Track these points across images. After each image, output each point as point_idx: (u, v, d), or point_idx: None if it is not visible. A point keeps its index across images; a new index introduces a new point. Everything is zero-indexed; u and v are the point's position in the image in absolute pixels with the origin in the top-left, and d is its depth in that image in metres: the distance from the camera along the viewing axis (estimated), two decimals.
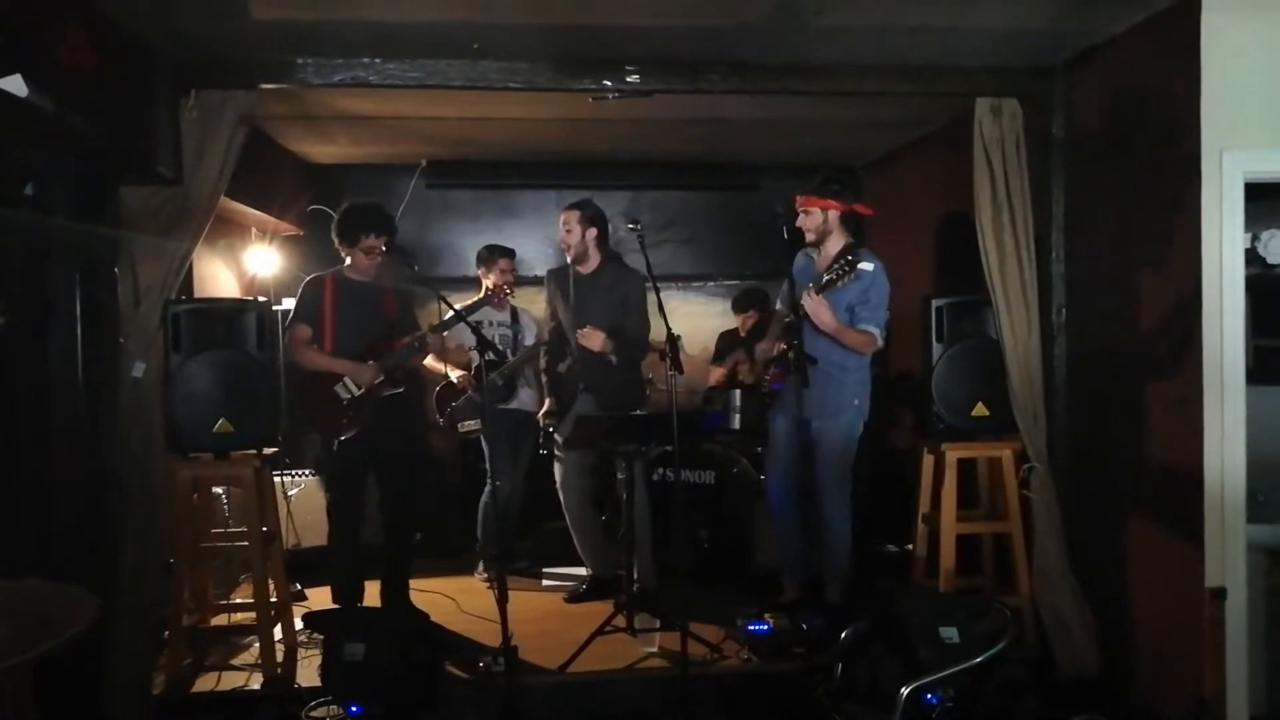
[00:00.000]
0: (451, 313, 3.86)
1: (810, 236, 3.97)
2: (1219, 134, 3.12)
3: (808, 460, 4.04)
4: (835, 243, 3.94)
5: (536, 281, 5.89)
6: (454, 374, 4.89)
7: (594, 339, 4.23)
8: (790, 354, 3.84)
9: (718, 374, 5.13)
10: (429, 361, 4.99)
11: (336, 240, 4.03)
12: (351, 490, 4.03)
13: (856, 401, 3.97)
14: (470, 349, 4.92)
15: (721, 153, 5.90)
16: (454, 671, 3.57)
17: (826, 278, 3.80)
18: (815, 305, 3.79)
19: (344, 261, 4.07)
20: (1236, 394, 3.15)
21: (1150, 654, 3.46)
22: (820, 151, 5.83)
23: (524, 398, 5.00)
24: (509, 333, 5.09)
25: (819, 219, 3.92)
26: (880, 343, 3.92)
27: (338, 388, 3.91)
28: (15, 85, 2.26)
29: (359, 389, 3.91)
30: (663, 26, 3.42)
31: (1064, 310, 3.92)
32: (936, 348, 3.94)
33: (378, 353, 3.96)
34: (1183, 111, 3.17)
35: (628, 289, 4.35)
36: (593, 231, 4.36)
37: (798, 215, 3.96)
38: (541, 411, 4.65)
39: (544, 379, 4.69)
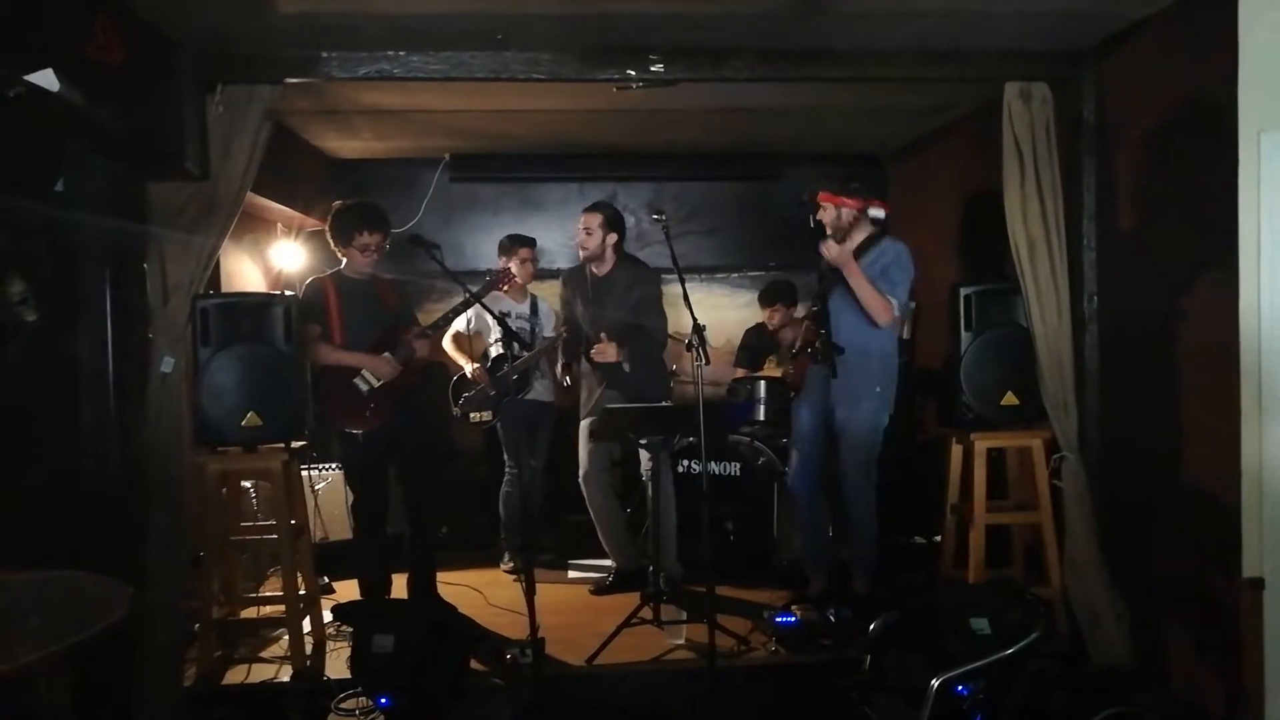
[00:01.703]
0: (462, 300, 3.87)
1: (829, 230, 3.97)
2: (1257, 115, 3.05)
3: (833, 451, 4.02)
4: (858, 236, 3.95)
5: (557, 274, 5.92)
6: (467, 366, 4.90)
7: (607, 353, 4.26)
8: (817, 344, 3.81)
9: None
10: (450, 352, 5.01)
11: (332, 242, 4.06)
12: (375, 483, 4.05)
13: (878, 389, 3.93)
14: (490, 341, 4.93)
15: (745, 143, 5.86)
16: (482, 663, 3.58)
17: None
18: (837, 251, 3.79)
19: (341, 263, 4.09)
20: (1276, 381, 3.08)
21: (1185, 646, 3.40)
22: (845, 140, 5.78)
23: (539, 388, 5.00)
24: (527, 324, 5.09)
25: (833, 214, 3.95)
26: (898, 315, 3.88)
27: (356, 381, 3.92)
28: (47, 80, 2.27)
29: (378, 381, 3.92)
30: (685, 14, 3.39)
31: (1095, 298, 3.87)
32: (965, 336, 3.90)
33: (390, 344, 3.97)
34: (1219, 93, 3.10)
35: (643, 289, 4.35)
36: (613, 237, 4.37)
37: (819, 209, 3.96)
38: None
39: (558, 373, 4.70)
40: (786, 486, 4.30)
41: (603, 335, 4.27)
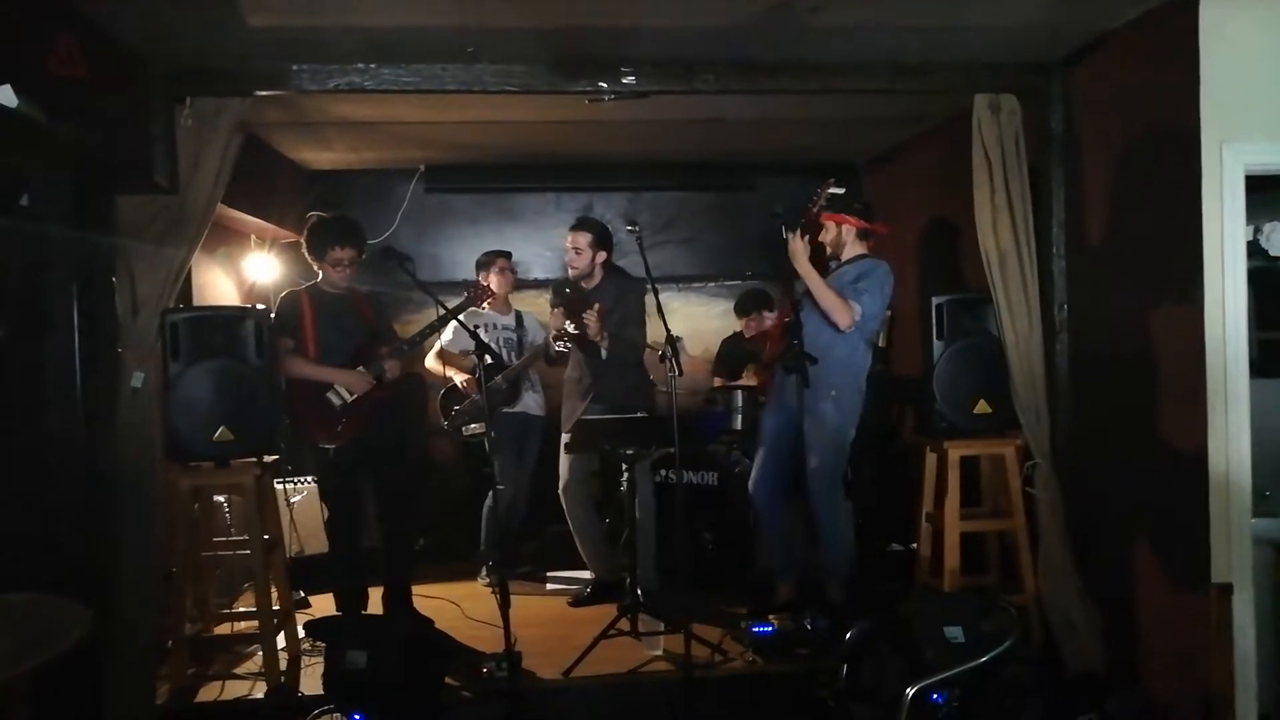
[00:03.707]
0: (439, 315, 3.86)
1: (829, 250, 4.02)
2: (1219, 127, 3.10)
3: (799, 460, 4.03)
4: (849, 254, 4.04)
5: (535, 285, 5.93)
6: (458, 378, 4.89)
7: (591, 321, 4.16)
8: (790, 351, 3.83)
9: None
10: (430, 365, 5.00)
11: (307, 255, 4.04)
12: (349, 498, 4.03)
13: (833, 393, 3.93)
14: (470, 353, 4.91)
15: (719, 153, 5.88)
16: (457, 678, 3.56)
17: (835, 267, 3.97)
18: (794, 244, 3.85)
19: (318, 276, 4.08)
20: (1240, 388, 3.13)
21: (1157, 651, 3.43)
22: (818, 150, 5.81)
23: (529, 401, 4.99)
24: (514, 336, 5.08)
25: (834, 233, 4.02)
26: (857, 320, 3.88)
27: (329, 395, 3.90)
28: (4, 96, 2.25)
29: (350, 396, 3.91)
30: (658, 27, 3.41)
31: (1066, 306, 3.90)
32: (937, 345, 3.92)
33: (365, 359, 3.96)
34: (1182, 105, 3.15)
35: (628, 302, 4.35)
36: (602, 255, 4.37)
37: (818, 229, 4.03)
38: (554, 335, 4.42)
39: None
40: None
41: (596, 305, 4.22)
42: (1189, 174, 3.13)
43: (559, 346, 4.32)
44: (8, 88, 2.27)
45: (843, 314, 3.84)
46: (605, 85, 3.75)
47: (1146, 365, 3.43)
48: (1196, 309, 3.14)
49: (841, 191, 3.96)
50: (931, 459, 4.01)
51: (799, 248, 3.87)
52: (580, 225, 4.42)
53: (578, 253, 4.34)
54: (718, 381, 5.44)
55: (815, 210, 3.92)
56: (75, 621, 1.85)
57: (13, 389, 2.97)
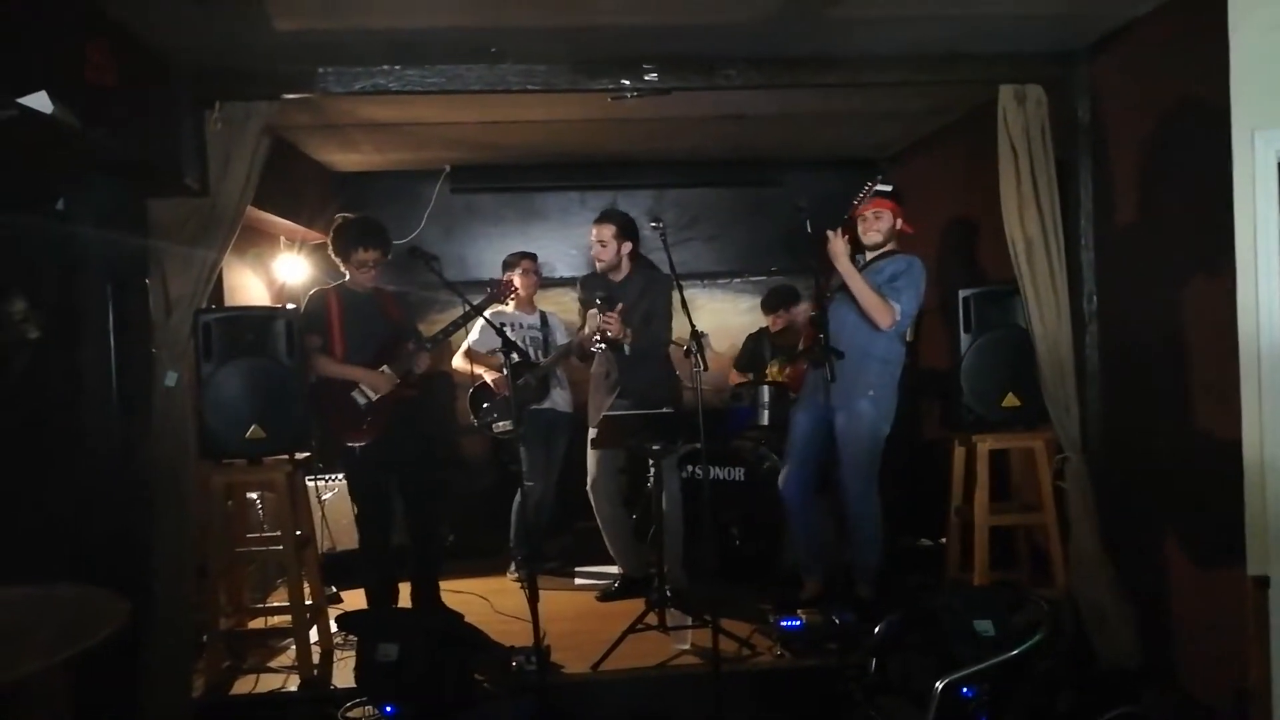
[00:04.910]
0: (462, 314, 3.90)
1: (877, 238, 3.97)
2: (1250, 113, 3.03)
3: (833, 456, 4.02)
4: (880, 248, 4.02)
5: (561, 283, 5.96)
6: (488, 376, 4.92)
7: (614, 323, 4.15)
8: (816, 347, 3.82)
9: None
10: (458, 364, 5.04)
11: (333, 256, 4.10)
12: (377, 495, 4.06)
13: (871, 392, 3.92)
14: (497, 351, 4.94)
15: (742, 149, 5.87)
16: (487, 671, 3.59)
17: (864, 262, 3.94)
18: (835, 243, 3.82)
19: (345, 275, 4.13)
20: (1275, 377, 3.07)
21: (1191, 645, 3.39)
22: (841, 145, 5.79)
23: (556, 398, 5.02)
24: (539, 335, 5.11)
25: (891, 222, 3.97)
26: (899, 323, 3.87)
27: (354, 394, 3.95)
28: (40, 102, 2.30)
29: (375, 395, 3.95)
30: (678, 24, 3.41)
31: (1094, 297, 3.86)
32: (964, 339, 3.90)
33: (390, 358, 4.00)
34: (1212, 92, 3.10)
35: (655, 296, 4.34)
36: (628, 246, 4.37)
37: (857, 221, 3.98)
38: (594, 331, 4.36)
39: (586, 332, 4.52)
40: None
41: (619, 306, 4.23)
42: (1220, 162, 3.08)
43: (594, 348, 4.33)
44: (43, 94, 2.32)
45: (885, 315, 3.82)
46: (627, 83, 3.77)
47: (1178, 355, 3.39)
48: (1229, 298, 3.08)
49: (889, 189, 3.95)
50: (960, 453, 3.99)
51: (840, 247, 3.84)
52: (604, 217, 4.42)
53: (603, 245, 4.35)
54: (735, 377, 5.44)
55: (859, 205, 3.90)
56: (114, 612, 1.88)
57: (50, 389, 3.03)
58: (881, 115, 5.02)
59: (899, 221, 3.98)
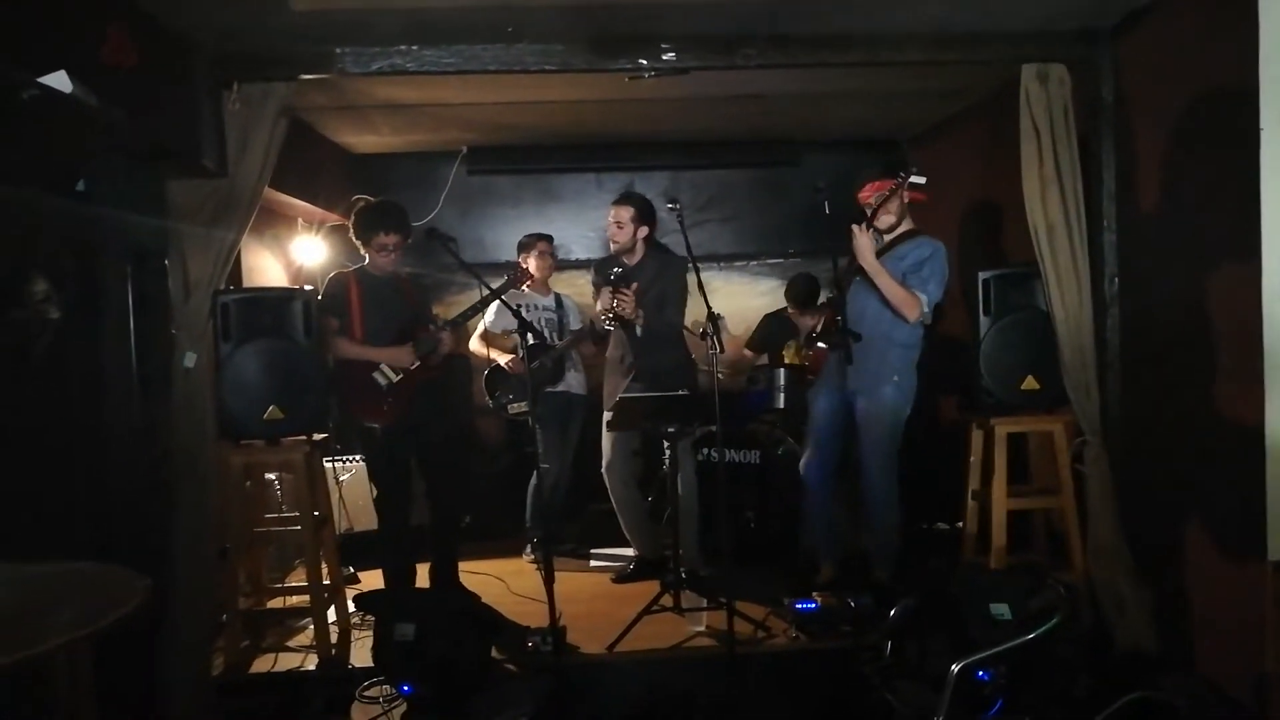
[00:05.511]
0: (483, 296, 3.89)
1: (891, 219, 3.93)
2: (1279, 91, 2.99)
3: (852, 439, 4.01)
4: (899, 229, 3.97)
5: (576, 265, 5.95)
6: (502, 358, 4.93)
7: (627, 301, 4.14)
8: (834, 330, 3.80)
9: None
10: (474, 346, 5.05)
11: (354, 239, 4.10)
12: (396, 476, 4.08)
13: (896, 378, 3.90)
14: (512, 333, 4.95)
15: (761, 129, 5.83)
16: (503, 651, 3.61)
17: (886, 240, 3.90)
18: (860, 238, 3.79)
19: (364, 258, 4.13)
20: None
21: (1210, 630, 3.37)
22: (862, 125, 5.73)
23: (571, 380, 5.02)
24: (554, 317, 5.11)
25: (898, 200, 3.93)
26: (926, 314, 3.85)
27: (375, 375, 3.96)
28: (60, 81, 2.31)
29: (396, 375, 3.96)
30: (697, 2, 3.38)
31: (1116, 280, 3.82)
32: (984, 321, 3.86)
33: (410, 339, 4.00)
34: (1240, 73, 3.04)
35: (668, 280, 4.32)
36: (644, 230, 4.34)
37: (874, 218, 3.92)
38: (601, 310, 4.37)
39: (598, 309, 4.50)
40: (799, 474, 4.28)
41: (634, 285, 4.21)
42: (1247, 142, 3.03)
43: (605, 326, 4.32)
44: (63, 74, 2.33)
45: (913, 308, 3.80)
46: (645, 62, 3.73)
47: (1201, 338, 3.35)
48: (1254, 280, 3.04)
49: (924, 180, 3.88)
50: (978, 436, 3.96)
51: (866, 243, 3.81)
52: (623, 199, 4.40)
53: (619, 227, 4.33)
54: (748, 354, 5.40)
55: (890, 196, 3.86)
56: (135, 590, 1.91)
57: (70, 369, 3.05)
58: (902, 95, 4.96)
59: (906, 196, 3.93)
